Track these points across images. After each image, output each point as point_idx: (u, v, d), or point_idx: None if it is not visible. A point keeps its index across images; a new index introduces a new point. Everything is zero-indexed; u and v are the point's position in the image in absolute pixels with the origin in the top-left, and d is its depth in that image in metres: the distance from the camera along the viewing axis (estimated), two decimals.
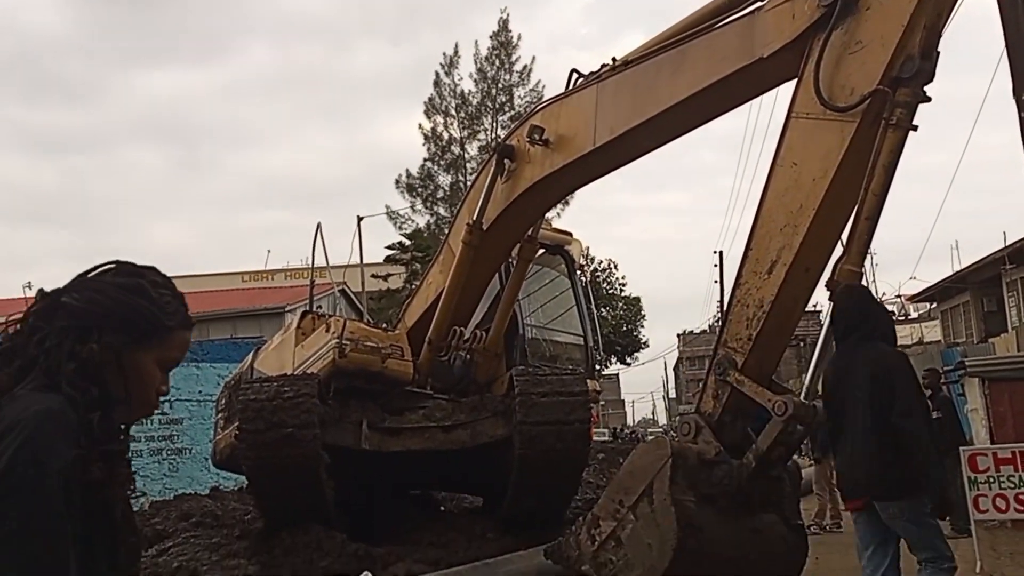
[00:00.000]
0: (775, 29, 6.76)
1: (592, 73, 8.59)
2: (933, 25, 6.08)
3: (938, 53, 6.14)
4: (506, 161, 9.39)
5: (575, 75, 8.91)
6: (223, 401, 12.35)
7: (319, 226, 10.60)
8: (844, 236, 6.45)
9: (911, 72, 6.02)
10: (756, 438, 6.82)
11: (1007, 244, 26.05)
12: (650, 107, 7.68)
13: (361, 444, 9.60)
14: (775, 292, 6.52)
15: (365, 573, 6.03)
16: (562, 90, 9.07)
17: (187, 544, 10.08)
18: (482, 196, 9.59)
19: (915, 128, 6.13)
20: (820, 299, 27.61)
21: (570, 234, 12.49)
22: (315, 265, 11.51)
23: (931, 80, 6.20)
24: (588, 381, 11.23)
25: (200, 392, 18.66)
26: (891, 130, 6.06)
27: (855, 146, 6.22)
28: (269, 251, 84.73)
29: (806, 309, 7.60)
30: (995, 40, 13.98)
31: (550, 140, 8.81)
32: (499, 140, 10.16)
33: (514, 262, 10.62)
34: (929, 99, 6.18)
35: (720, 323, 7.82)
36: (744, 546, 6.61)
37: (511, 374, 9.76)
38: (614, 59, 8.35)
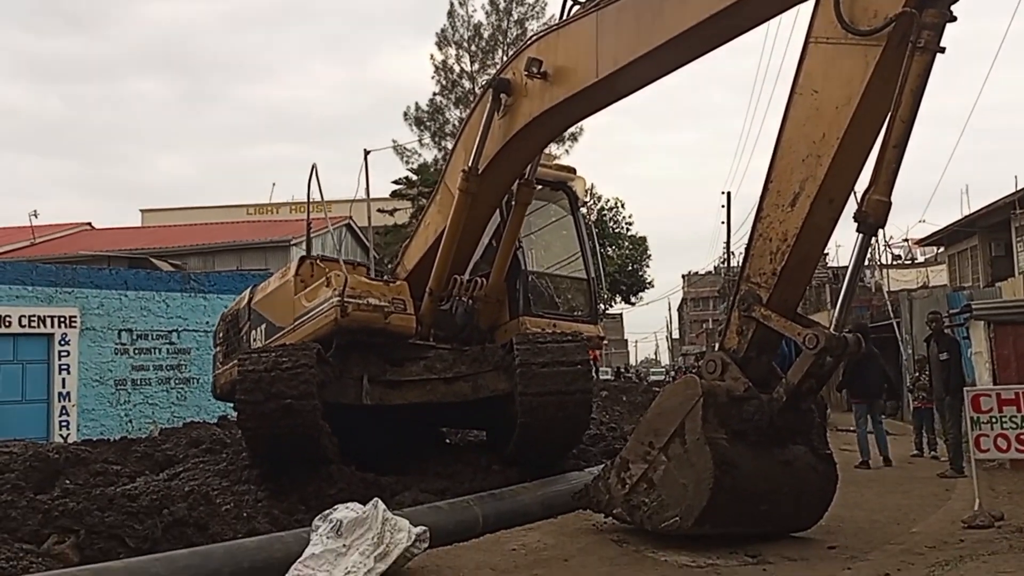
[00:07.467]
0: None
1: (589, 0, 8.23)
2: None
3: None
4: (503, 96, 9.10)
5: (570, 2, 8.54)
6: (220, 335, 12.27)
7: (314, 167, 10.44)
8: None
9: None
10: (781, 372, 6.85)
11: (1018, 188, 25.88)
12: (656, 36, 7.38)
13: (363, 399, 9.56)
14: (799, 225, 6.44)
15: (375, 500, 6.11)
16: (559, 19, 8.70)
17: (197, 469, 10.19)
18: (478, 135, 9.29)
19: (943, 50, 5.97)
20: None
21: (573, 170, 12.15)
22: (311, 206, 11.35)
23: None
24: (591, 327, 11.12)
25: (207, 323, 18.67)
26: (918, 53, 5.91)
27: (880, 72, 6.06)
28: (274, 184, 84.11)
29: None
30: None
31: (549, 73, 8.52)
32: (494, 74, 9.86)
33: (513, 202, 10.37)
34: (955, 18, 5.98)
35: (742, 258, 7.77)
36: (777, 479, 6.68)
37: (512, 339, 9.60)
38: None
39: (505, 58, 36.03)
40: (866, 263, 36.92)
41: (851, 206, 6.63)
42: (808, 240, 6.58)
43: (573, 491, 7.71)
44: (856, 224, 6.32)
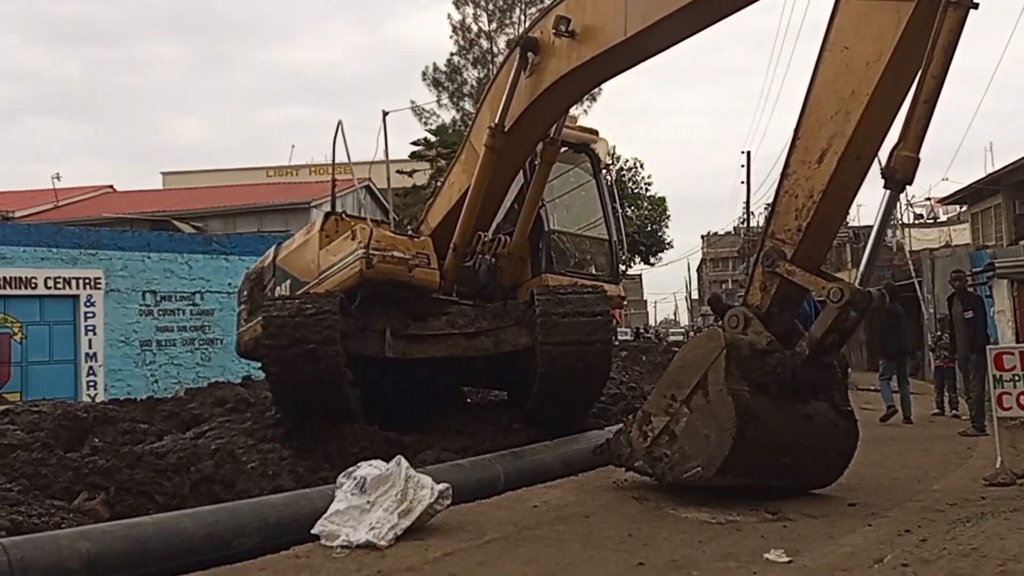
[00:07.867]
0: None
1: None
2: None
3: None
4: (530, 55, 9.15)
5: None
6: (244, 293, 12.37)
7: (340, 124, 10.49)
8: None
9: None
10: (803, 329, 6.83)
11: None
12: None
13: (385, 352, 9.65)
14: (826, 181, 6.41)
15: (398, 457, 6.17)
16: None
17: (223, 428, 10.31)
18: (505, 93, 9.38)
19: (976, 6, 5.88)
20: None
21: (596, 132, 12.19)
22: (336, 164, 11.41)
23: None
24: (612, 286, 11.16)
25: (230, 284, 18.85)
26: (951, 9, 5.83)
27: (912, 27, 5.99)
28: (293, 146, 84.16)
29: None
30: None
31: (576, 31, 8.55)
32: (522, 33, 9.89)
33: (537, 161, 10.45)
34: None
35: (767, 215, 7.74)
36: (798, 432, 6.68)
37: (533, 291, 9.68)
38: None
39: (524, 17, 35.87)
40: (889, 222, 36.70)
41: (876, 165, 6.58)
42: (834, 197, 6.54)
43: (594, 447, 7.75)
44: (884, 180, 6.26)
